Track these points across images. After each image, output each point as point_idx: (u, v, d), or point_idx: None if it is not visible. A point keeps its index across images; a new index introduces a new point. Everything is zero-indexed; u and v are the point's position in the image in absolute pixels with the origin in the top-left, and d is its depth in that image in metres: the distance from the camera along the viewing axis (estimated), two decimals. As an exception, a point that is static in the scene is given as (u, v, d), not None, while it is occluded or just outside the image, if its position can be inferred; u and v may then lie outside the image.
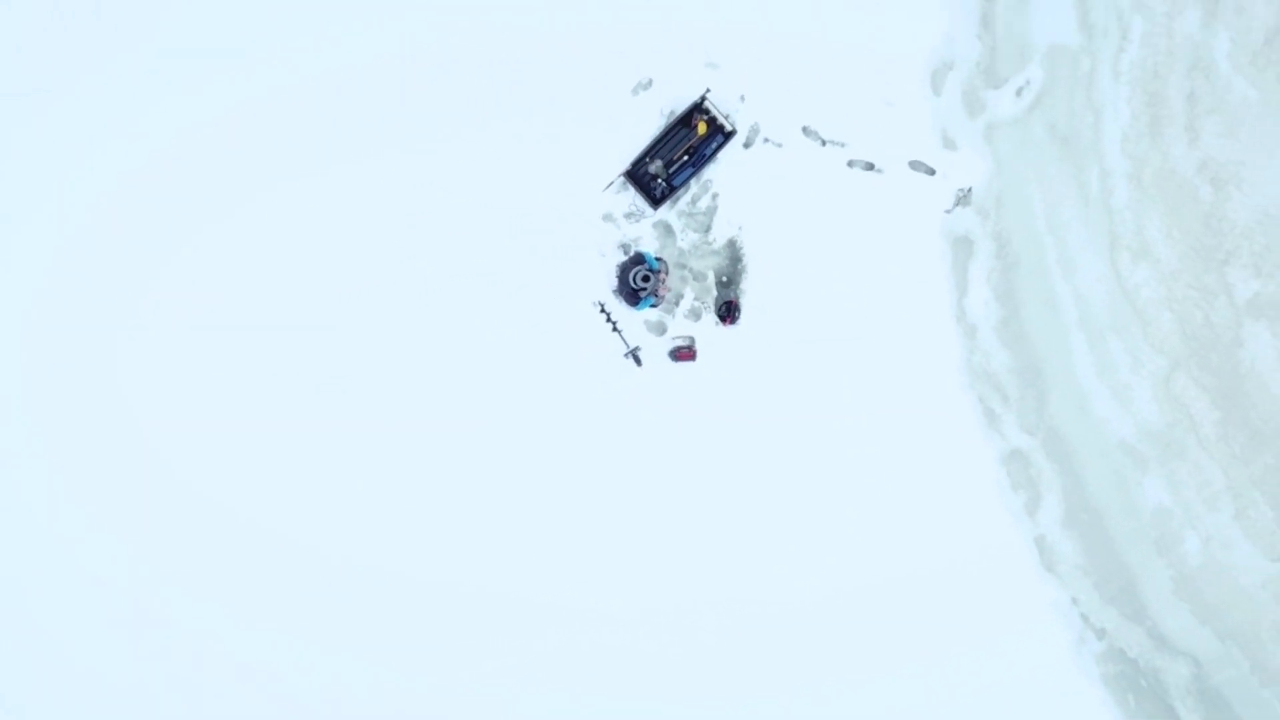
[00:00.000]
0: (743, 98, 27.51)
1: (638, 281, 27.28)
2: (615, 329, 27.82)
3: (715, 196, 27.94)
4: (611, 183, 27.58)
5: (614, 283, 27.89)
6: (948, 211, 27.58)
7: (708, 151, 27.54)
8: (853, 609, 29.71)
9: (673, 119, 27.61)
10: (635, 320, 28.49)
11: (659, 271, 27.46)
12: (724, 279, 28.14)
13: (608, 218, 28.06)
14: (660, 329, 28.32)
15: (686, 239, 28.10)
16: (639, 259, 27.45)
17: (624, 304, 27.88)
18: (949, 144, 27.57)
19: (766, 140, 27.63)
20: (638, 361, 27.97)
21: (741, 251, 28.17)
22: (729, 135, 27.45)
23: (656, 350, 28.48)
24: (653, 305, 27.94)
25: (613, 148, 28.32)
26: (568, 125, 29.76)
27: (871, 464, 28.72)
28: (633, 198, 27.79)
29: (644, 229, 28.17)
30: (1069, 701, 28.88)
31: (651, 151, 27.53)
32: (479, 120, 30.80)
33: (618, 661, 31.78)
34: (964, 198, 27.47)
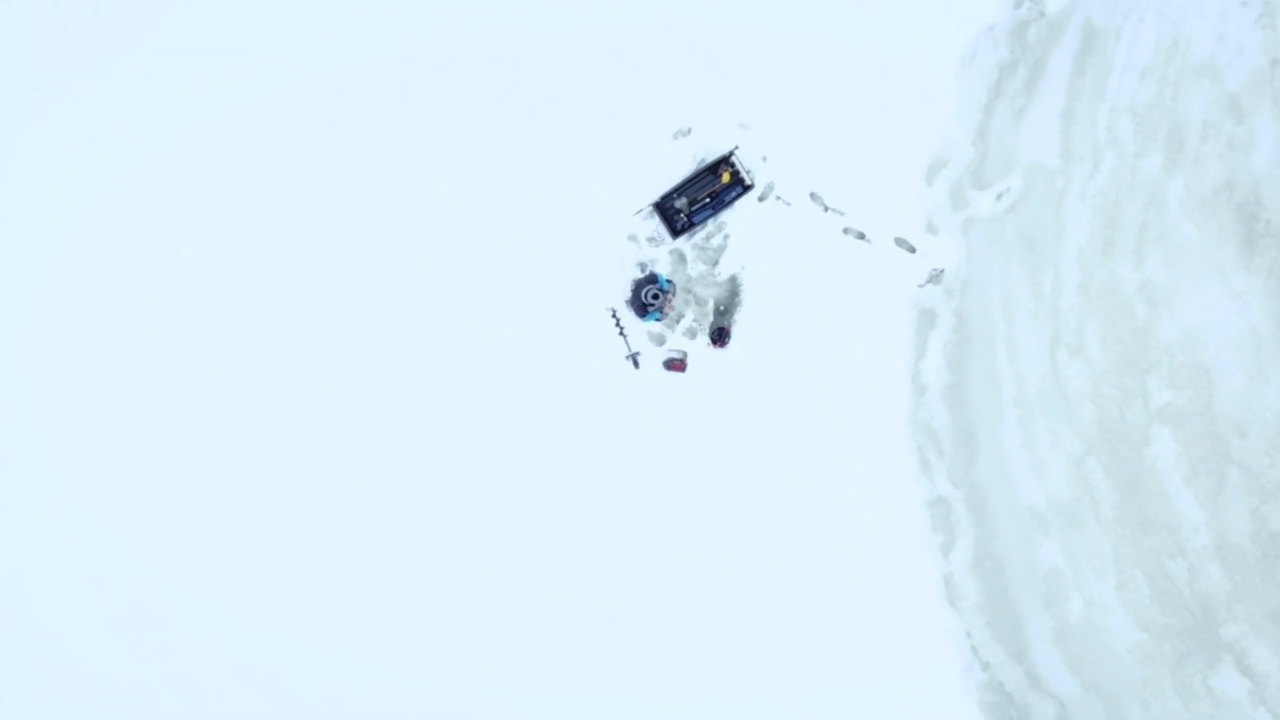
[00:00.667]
0: (764, 158, 31.27)
1: (648, 298, 31.08)
2: (622, 334, 31.63)
3: (726, 237, 31.60)
4: (642, 209, 31.48)
5: (628, 294, 31.54)
6: (920, 286, 31.48)
7: (727, 198, 31.17)
8: (776, 614, 32.74)
9: (702, 166, 31.18)
10: (640, 330, 31.86)
11: (668, 292, 31.17)
12: (721, 308, 31.80)
13: (632, 238, 31.59)
14: (660, 340, 31.90)
15: (696, 268, 31.76)
16: (652, 278, 31.24)
17: (633, 314, 31.54)
18: (931, 229, 31.37)
19: (778, 198, 31.38)
20: (636, 364, 31.78)
21: (740, 287, 31.69)
22: (747, 188, 31.15)
23: (653, 358, 31.96)
24: (657, 320, 31.50)
25: (645, 178, 31.51)
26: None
27: (817, 489, 32.23)
28: (657, 225, 31.46)
29: (661, 253, 31.69)
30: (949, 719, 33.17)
31: (680, 190, 31.15)
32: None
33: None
34: (936, 277, 31.56)
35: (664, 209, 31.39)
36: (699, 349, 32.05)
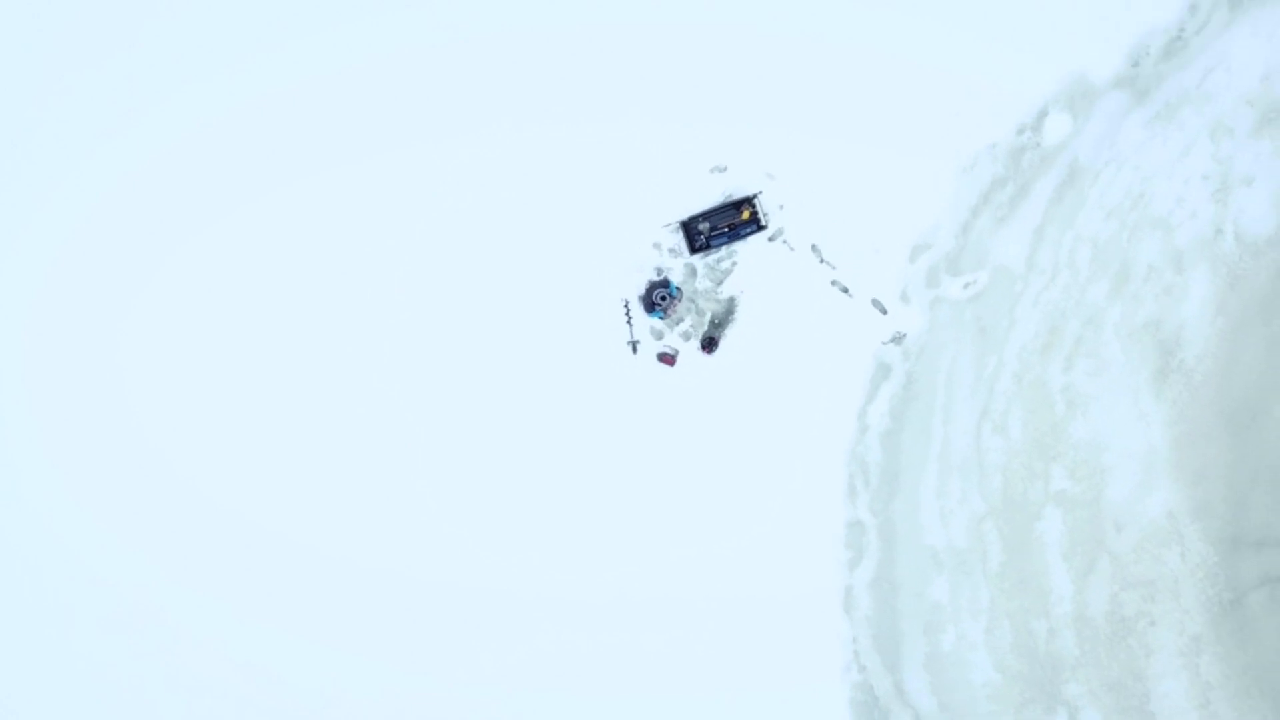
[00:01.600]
0: (781, 206, 36.41)
1: (658, 298, 36.14)
2: (629, 322, 36.77)
3: (734, 264, 36.62)
4: (670, 224, 36.75)
5: (641, 291, 36.50)
6: (884, 343, 36.68)
7: (743, 232, 36.19)
8: (699, 597, 37.42)
9: (729, 200, 36.25)
10: (644, 323, 36.77)
11: (675, 297, 36.19)
12: (716, 321, 36.84)
13: (656, 245, 36.57)
14: (659, 335, 36.86)
15: (703, 283, 36.74)
16: (665, 283, 36.35)
17: (642, 309, 36.63)
18: (905, 298, 36.55)
19: (784, 242, 36.55)
20: (634, 350, 36.92)
21: (736, 308, 36.68)
22: (761, 228, 36.17)
23: (650, 348, 36.81)
24: (661, 318, 36.52)
25: (679, 198, 36.35)
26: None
27: (758, 492, 37.23)
28: (680, 240, 36.47)
29: (678, 264, 36.67)
30: (820, 707, 37.83)
31: (705, 215, 36.15)
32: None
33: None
34: (898, 338, 36.81)
35: (689, 228, 36.57)
36: (690, 350, 37.15)
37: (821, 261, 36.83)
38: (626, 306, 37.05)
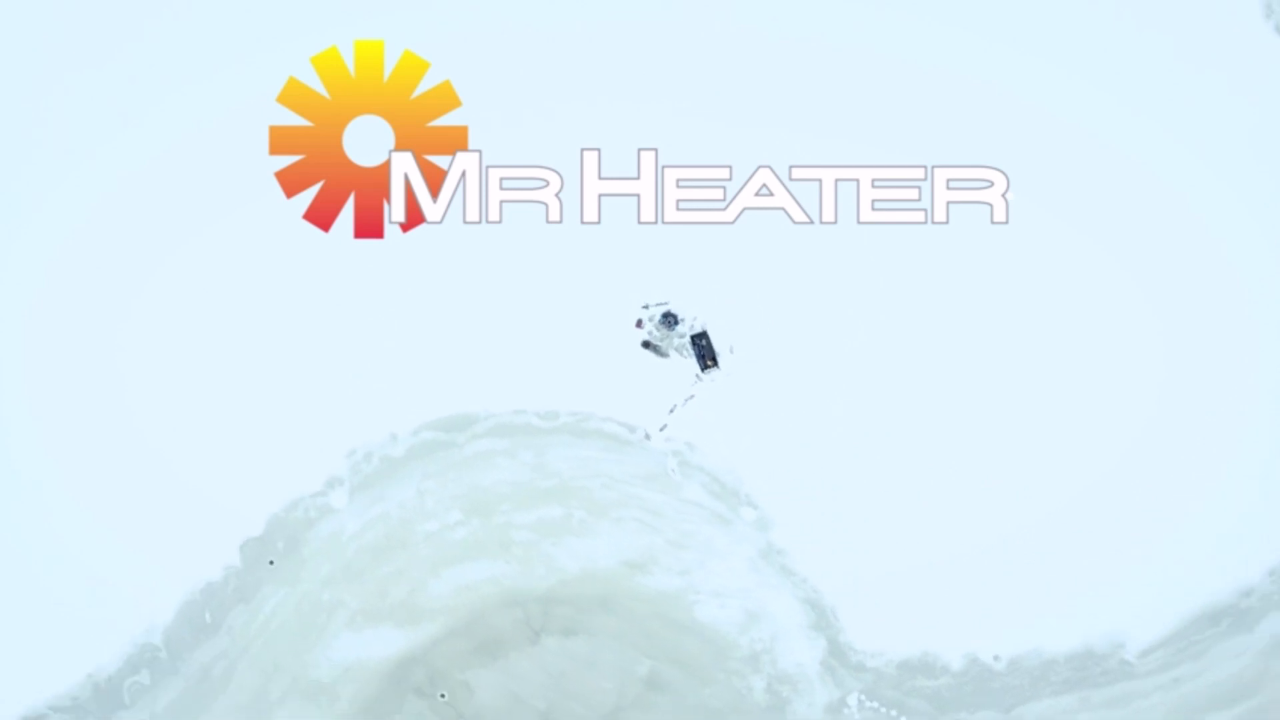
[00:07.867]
0: (714, 379, 71.06)
1: (670, 321, 69.62)
2: (654, 304, 70.64)
3: (684, 355, 69.64)
4: (704, 324, 72.49)
5: (668, 309, 69.53)
6: (645, 431, 70.43)
7: (699, 361, 69.23)
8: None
9: (718, 355, 69.52)
10: (656, 314, 69.94)
11: (671, 326, 70.07)
12: (659, 349, 69.73)
13: (695, 316, 70.27)
14: (650, 319, 69.72)
15: (678, 343, 69.19)
16: (676, 318, 69.92)
17: (662, 311, 70.50)
18: (665, 437, 71.67)
19: (695, 384, 70.38)
20: (645, 307, 71.31)
21: (668, 357, 69.07)
22: (702, 372, 68.92)
23: (642, 316, 70.70)
24: (660, 320, 70.10)
25: (717, 328, 72.03)
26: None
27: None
28: (697, 329, 70.62)
29: (689, 330, 69.12)
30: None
31: (709, 344, 69.84)
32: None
33: None
34: (647, 434, 70.94)
35: (704, 335, 70.41)
36: (639, 335, 70.36)
37: (687, 400, 71.62)
38: (666, 303, 72.43)
